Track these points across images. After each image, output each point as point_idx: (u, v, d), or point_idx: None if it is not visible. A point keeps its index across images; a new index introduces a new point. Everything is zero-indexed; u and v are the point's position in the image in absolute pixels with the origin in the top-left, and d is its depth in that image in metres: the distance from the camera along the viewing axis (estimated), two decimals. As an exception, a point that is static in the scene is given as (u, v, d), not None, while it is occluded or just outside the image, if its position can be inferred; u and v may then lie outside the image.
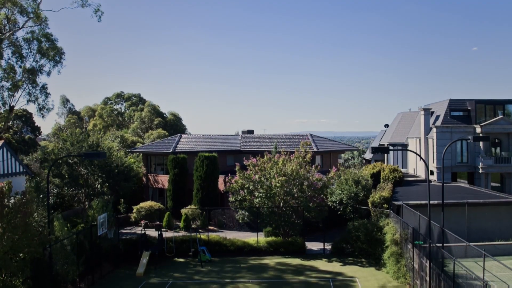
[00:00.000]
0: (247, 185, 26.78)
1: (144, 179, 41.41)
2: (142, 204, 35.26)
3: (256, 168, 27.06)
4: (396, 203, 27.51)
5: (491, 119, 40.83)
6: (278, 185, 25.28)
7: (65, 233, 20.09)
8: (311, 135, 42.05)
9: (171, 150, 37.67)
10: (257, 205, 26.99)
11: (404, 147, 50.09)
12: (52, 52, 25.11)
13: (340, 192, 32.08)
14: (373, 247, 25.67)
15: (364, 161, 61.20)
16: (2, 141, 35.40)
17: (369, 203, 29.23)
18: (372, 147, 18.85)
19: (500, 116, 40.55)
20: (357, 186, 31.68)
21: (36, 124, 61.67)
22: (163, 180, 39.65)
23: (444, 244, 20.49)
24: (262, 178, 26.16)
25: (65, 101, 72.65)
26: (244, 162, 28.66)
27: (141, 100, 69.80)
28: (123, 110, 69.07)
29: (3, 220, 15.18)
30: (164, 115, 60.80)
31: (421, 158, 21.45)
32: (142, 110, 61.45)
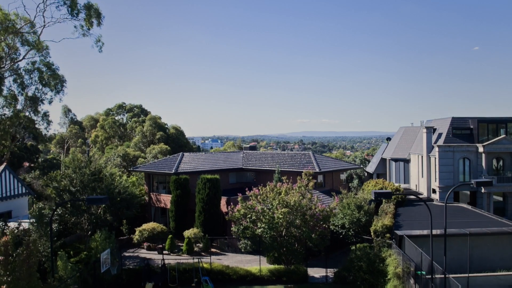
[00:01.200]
0: (249, 215, 26.81)
1: (147, 198, 41.50)
2: (144, 226, 35.35)
3: (259, 197, 27.09)
4: (398, 233, 27.49)
5: (493, 138, 40.75)
6: (280, 216, 25.32)
7: (68, 272, 20.14)
8: (313, 153, 42.07)
9: (173, 171, 37.73)
10: (259, 234, 27.04)
11: (406, 162, 50.08)
12: (54, 81, 25.16)
13: (342, 216, 32.13)
14: (376, 278, 25.66)
15: (366, 173, 61.14)
16: (5, 163, 35.50)
17: (371, 231, 29.26)
18: (375, 192, 18.84)
19: (503, 136, 40.47)
20: (360, 212, 31.73)
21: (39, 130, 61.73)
22: (166, 200, 39.73)
23: (446, 276, 20.54)
24: (265, 208, 26.19)
25: (66, 111, 72.80)
26: (247, 193, 28.68)
27: (143, 111, 69.87)
28: (125, 121, 69.08)
29: (8, 272, 15.26)
30: (166, 129, 60.81)
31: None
32: (144, 121, 61.39)
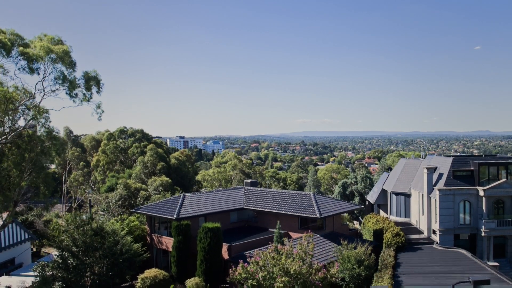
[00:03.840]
0: (250, 281, 26.99)
1: (148, 239, 41.73)
2: (146, 274, 35.48)
3: (260, 263, 27.24)
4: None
5: (494, 181, 40.88)
6: (281, 285, 25.50)
7: None
8: (313, 194, 42.19)
9: (174, 216, 37.94)
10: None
11: (407, 196, 50.19)
12: (55, 148, 25.37)
13: (342, 269, 32.28)
14: None
15: (367, 202, 61.25)
16: (7, 212, 35.70)
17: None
18: None
19: (504, 180, 40.57)
20: (360, 267, 31.89)
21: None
22: (167, 242, 39.95)
23: None
24: (266, 276, 26.36)
25: (68, 132, 73.03)
26: (248, 260, 28.84)
27: (144, 136, 70.21)
28: (126, 145, 69.21)
29: None
30: (167, 158, 61.03)
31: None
32: (145, 147, 61.70)
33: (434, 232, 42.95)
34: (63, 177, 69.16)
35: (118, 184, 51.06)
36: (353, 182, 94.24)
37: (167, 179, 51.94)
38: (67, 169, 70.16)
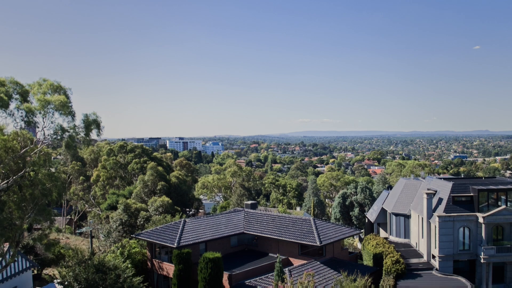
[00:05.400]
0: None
1: (149, 264, 41.85)
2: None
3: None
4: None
5: (494, 208, 40.99)
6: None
7: None
8: (313, 219, 42.31)
9: (175, 245, 38.03)
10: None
11: (406, 218, 50.32)
12: (56, 189, 25.53)
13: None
14: None
15: (367, 219, 61.38)
16: (8, 244, 35.75)
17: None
18: None
19: (503, 207, 40.69)
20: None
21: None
22: (168, 269, 40.06)
23: None
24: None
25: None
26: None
27: (144, 151, 70.34)
28: (126, 161, 69.13)
29: None
30: (167, 176, 61.13)
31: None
32: (145, 162, 61.96)
33: (433, 257, 43.09)
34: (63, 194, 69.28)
35: (118, 204, 51.12)
36: (352, 193, 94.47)
37: (168, 199, 52.08)
38: (67, 183, 70.23)
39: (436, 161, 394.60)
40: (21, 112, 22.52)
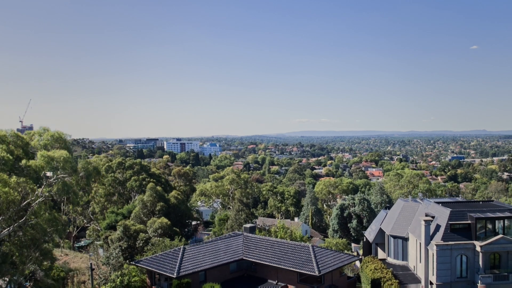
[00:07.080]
0: None
1: (148, 291, 42.01)
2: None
3: None
4: None
5: (491, 236, 41.24)
6: None
7: None
8: (312, 247, 42.51)
9: (175, 274, 38.21)
10: None
11: (404, 240, 50.54)
12: (57, 233, 25.65)
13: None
14: None
15: (365, 238, 61.58)
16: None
17: None
18: None
19: (500, 235, 40.96)
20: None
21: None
22: (167, 297, 40.23)
23: None
24: None
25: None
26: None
27: (143, 168, 70.41)
28: (125, 177, 69.18)
29: None
30: (165, 196, 61.19)
31: None
32: (144, 179, 62.09)
33: (431, 283, 43.34)
34: (61, 205, 69.24)
35: (118, 225, 51.16)
36: (350, 204, 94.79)
37: (166, 220, 52.20)
38: (64, 198, 70.16)
39: (433, 162, 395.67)
40: (25, 172, 22.61)
